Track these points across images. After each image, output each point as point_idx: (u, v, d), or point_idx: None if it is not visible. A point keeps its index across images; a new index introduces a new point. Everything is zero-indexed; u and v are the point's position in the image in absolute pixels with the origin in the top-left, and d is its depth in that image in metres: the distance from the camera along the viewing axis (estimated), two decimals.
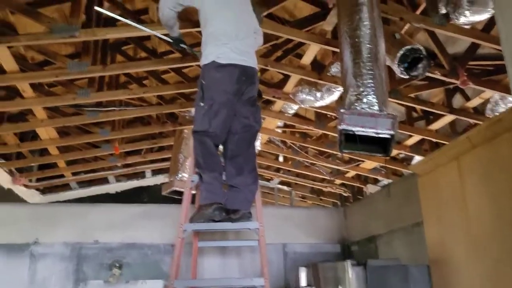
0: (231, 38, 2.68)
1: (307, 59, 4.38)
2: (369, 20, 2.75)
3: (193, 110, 5.94)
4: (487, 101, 4.62)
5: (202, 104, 2.59)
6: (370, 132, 2.51)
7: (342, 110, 2.58)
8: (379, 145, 2.71)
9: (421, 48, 3.58)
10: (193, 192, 6.00)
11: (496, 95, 4.41)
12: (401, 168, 6.53)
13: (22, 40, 3.50)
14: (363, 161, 6.47)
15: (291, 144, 6.60)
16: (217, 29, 2.68)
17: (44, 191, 7.09)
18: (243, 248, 3.82)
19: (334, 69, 4.47)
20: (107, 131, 5.65)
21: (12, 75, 3.94)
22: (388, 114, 2.55)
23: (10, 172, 5.96)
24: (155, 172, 7.82)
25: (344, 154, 2.59)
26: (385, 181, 7.01)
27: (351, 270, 2.20)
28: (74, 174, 6.98)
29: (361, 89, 2.63)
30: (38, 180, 6.88)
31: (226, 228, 2.63)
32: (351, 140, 2.66)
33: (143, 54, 5.78)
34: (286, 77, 5.23)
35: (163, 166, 7.54)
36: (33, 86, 4.37)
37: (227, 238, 3.72)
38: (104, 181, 7.57)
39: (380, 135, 2.51)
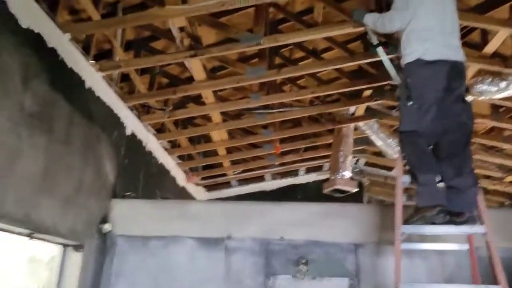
0: (436, 32, 2.57)
1: (492, 47, 4.04)
2: None
3: (351, 108, 5.95)
4: None
5: (410, 103, 2.52)
6: None
7: None
8: None
9: None
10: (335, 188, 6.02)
11: None
12: None
13: (214, 51, 3.80)
14: None
15: None
16: (422, 25, 2.60)
17: (208, 188, 7.68)
18: (428, 250, 3.66)
19: None
20: (270, 132, 5.89)
21: (199, 83, 4.32)
22: None
23: (184, 172, 6.56)
24: (308, 170, 7.96)
25: None
26: None
27: None
28: (234, 173, 7.45)
29: None
30: (202, 178, 7.48)
31: (450, 232, 2.52)
32: None
33: (298, 55, 5.92)
34: None
35: (316, 164, 7.65)
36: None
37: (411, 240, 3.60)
38: (260, 179, 7.93)
39: None
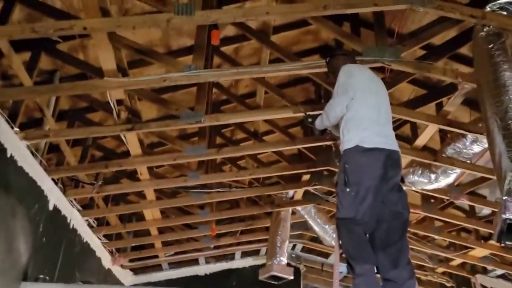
0: (373, 122, 2.64)
1: (422, 140, 4.24)
2: None
3: (290, 192, 5.93)
4: None
5: (348, 189, 2.50)
6: None
7: (505, 198, 2.37)
8: None
9: None
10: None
11: None
12: None
13: (152, 127, 3.68)
14: (473, 248, 5.97)
15: None
16: (360, 114, 2.66)
17: (136, 271, 7.13)
18: None
19: (451, 151, 4.28)
20: (207, 212, 5.68)
21: (135, 159, 4.13)
22: None
23: (111, 253, 6.07)
24: (245, 254, 7.67)
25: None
26: (498, 271, 6.37)
27: None
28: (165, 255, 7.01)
29: None
30: (130, 260, 6.96)
31: None
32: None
33: (239, 136, 5.95)
34: None
35: (252, 248, 7.41)
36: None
37: None
38: (193, 262, 7.51)
39: None
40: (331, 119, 2.86)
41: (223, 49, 4.59)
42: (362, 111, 2.67)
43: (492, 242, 5.94)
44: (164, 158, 4.24)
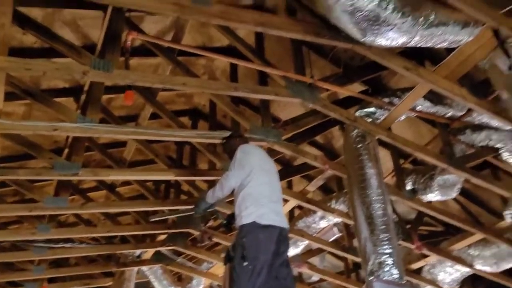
0: (269, 200, 2.87)
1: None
2: (382, 195, 3.20)
3: (137, 251, 5.71)
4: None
5: (245, 263, 2.62)
6: None
7: (370, 278, 2.82)
8: None
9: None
10: None
11: (434, 258, 5.01)
12: None
13: (21, 174, 3.27)
14: None
15: None
16: (256, 191, 2.86)
17: None
18: None
19: (302, 224, 4.81)
20: (43, 269, 5.07)
21: None
22: (411, 283, 2.85)
23: None
24: None
25: None
26: None
27: None
28: None
29: (382, 258, 2.94)
30: None
31: None
32: None
33: (87, 185, 5.57)
34: None
35: None
36: None
37: None
38: None
39: None
40: (224, 190, 3.00)
41: None
42: (258, 189, 2.89)
43: None
44: (18, 208, 3.75)
